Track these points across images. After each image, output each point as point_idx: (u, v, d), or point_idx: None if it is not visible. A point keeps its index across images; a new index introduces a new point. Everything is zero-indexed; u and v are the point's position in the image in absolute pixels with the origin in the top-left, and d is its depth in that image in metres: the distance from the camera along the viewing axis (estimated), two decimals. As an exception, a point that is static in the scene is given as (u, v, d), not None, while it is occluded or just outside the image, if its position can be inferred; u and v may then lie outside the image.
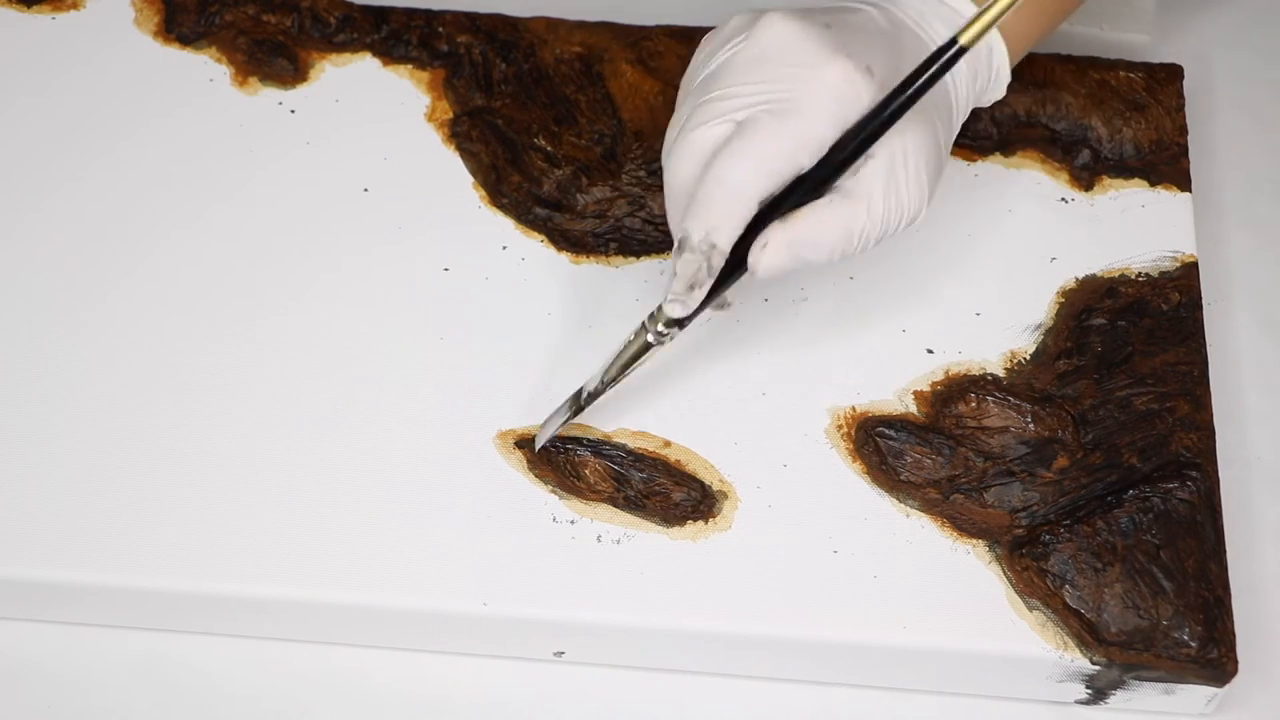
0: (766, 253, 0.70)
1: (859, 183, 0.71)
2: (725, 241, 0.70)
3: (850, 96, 0.70)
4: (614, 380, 0.74)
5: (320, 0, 0.88)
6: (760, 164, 0.69)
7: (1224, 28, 0.93)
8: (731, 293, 0.73)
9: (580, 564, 0.74)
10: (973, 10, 0.75)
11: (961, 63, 0.72)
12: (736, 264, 0.72)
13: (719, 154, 0.70)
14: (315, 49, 0.87)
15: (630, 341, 0.74)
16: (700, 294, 0.71)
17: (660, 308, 0.73)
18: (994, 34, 0.76)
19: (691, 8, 0.89)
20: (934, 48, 0.74)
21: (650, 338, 0.73)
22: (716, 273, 0.71)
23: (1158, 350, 0.79)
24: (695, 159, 0.71)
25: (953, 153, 0.84)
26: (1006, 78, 0.78)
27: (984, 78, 0.77)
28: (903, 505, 0.75)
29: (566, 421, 0.75)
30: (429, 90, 0.86)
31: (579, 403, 0.75)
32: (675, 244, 0.71)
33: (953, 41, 0.69)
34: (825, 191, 0.71)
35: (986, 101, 0.79)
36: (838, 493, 0.76)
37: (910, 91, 0.69)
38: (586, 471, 0.76)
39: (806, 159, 0.70)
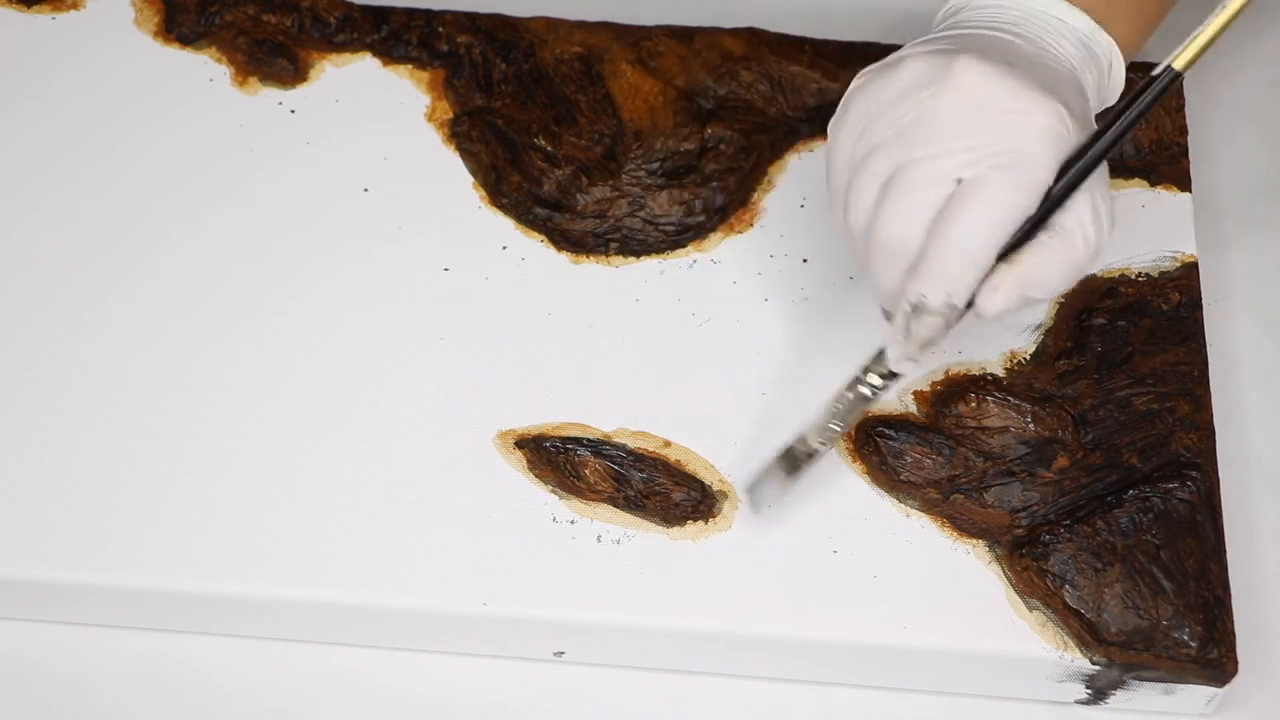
0: (998, 295, 0.70)
1: (1072, 218, 0.70)
2: (964, 301, 0.70)
3: (1064, 136, 0.69)
4: (833, 438, 0.74)
5: (320, 0, 0.88)
6: (997, 224, 0.69)
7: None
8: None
9: (580, 564, 0.74)
10: (1084, 23, 0.74)
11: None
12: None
13: (951, 216, 0.69)
14: (315, 49, 0.87)
15: (847, 396, 0.73)
16: (932, 351, 0.72)
17: (879, 359, 0.72)
18: (1111, 41, 0.75)
19: (691, 8, 0.90)
20: (1061, 68, 0.73)
21: (867, 390, 0.73)
22: (953, 326, 0.71)
23: (1158, 350, 0.79)
24: (917, 221, 0.70)
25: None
26: (1122, 84, 0.76)
27: (1107, 88, 0.76)
28: (903, 505, 0.75)
29: (787, 482, 0.74)
30: (429, 90, 0.86)
31: (794, 460, 0.74)
32: (906, 305, 0.70)
33: (1168, 69, 0.68)
34: (1041, 228, 0.70)
35: (1101, 108, 0.77)
36: (838, 493, 0.76)
37: (1123, 123, 0.69)
38: (586, 471, 0.76)
39: (1035, 207, 0.69)
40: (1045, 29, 0.74)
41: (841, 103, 0.73)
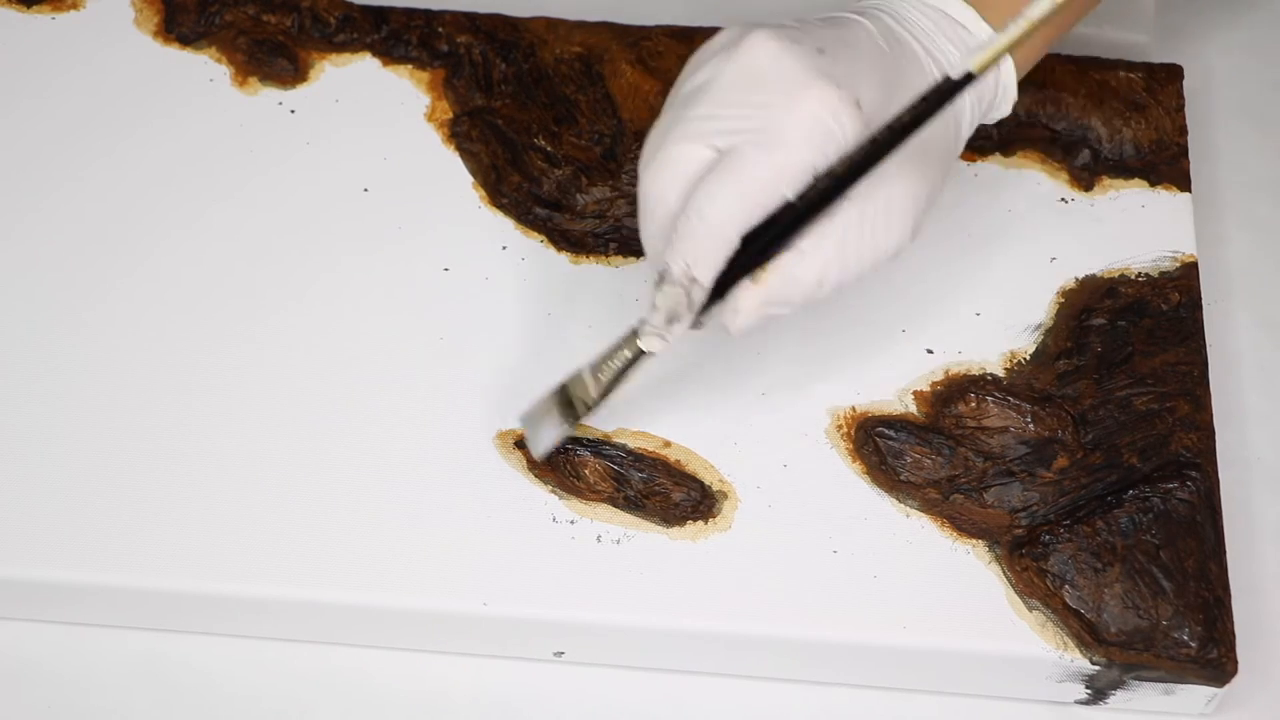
0: (740, 316, 0.70)
1: (833, 228, 0.69)
2: (707, 277, 0.69)
3: (834, 130, 0.68)
4: (608, 393, 0.74)
5: (320, 0, 0.88)
6: (743, 198, 0.68)
7: (1224, 28, 0.93)
8: (708, 316, 0.72)
9: (580, 564, 0.74)
10: (983, 31, 0.73)
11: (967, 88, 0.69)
12: (716, 292, 0.70)
13: (701, 184, 0.68)
14: (315, 49, 0.87)
15: (621, 355, 0.73)
16: (681, 327, 0.70)
17: (639, 329, 0.72)
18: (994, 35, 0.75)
19: (691, 8, 0.90)
20: (936, 74, 0.71)
21: (629, 352, 0.73)
22: (698, 307, 0.70)
23: (1158, 350, 0.79)
24: (675, 182, 0.69)
25: (952, 153, 0.84)
26: (1014, 95, 0.76)
27: (989, 97, 0.75)
28: (903, 505, 0.75)
29: (568, 433, 0.75)
30: (429, 90, 0.86)
31: (573, 409, 0.74)
32: (655, 274, 0.70)
33: (958, 76, 0.66)
34: (803, 229, 0.69)
35: (993, 119, 0.77)
36: (838, 493, 0.76)
37: (899, 132, 0.67)
38: (586, 471, 0.76)
39: (789, 190, 0.68)
40: (928, 26, 0.73)
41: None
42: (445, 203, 0.83)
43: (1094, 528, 0.75)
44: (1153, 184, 0.84)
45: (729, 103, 0.69)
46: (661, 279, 0.70)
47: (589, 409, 0.74)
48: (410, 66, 0.87)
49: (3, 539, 0.74)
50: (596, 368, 0.74)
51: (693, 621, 0.73)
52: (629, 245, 0.82)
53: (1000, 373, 0.78)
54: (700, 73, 0.71)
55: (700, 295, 0.69)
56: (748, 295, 0.70)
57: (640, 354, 0.72)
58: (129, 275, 0.80)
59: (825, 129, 0.68)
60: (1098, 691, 0.74)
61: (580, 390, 0.74)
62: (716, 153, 0.69)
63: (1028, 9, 0.65)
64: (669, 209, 0.70)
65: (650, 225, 0.71)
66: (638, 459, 0.76)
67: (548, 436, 0.75)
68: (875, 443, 0.77)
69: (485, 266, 0.81)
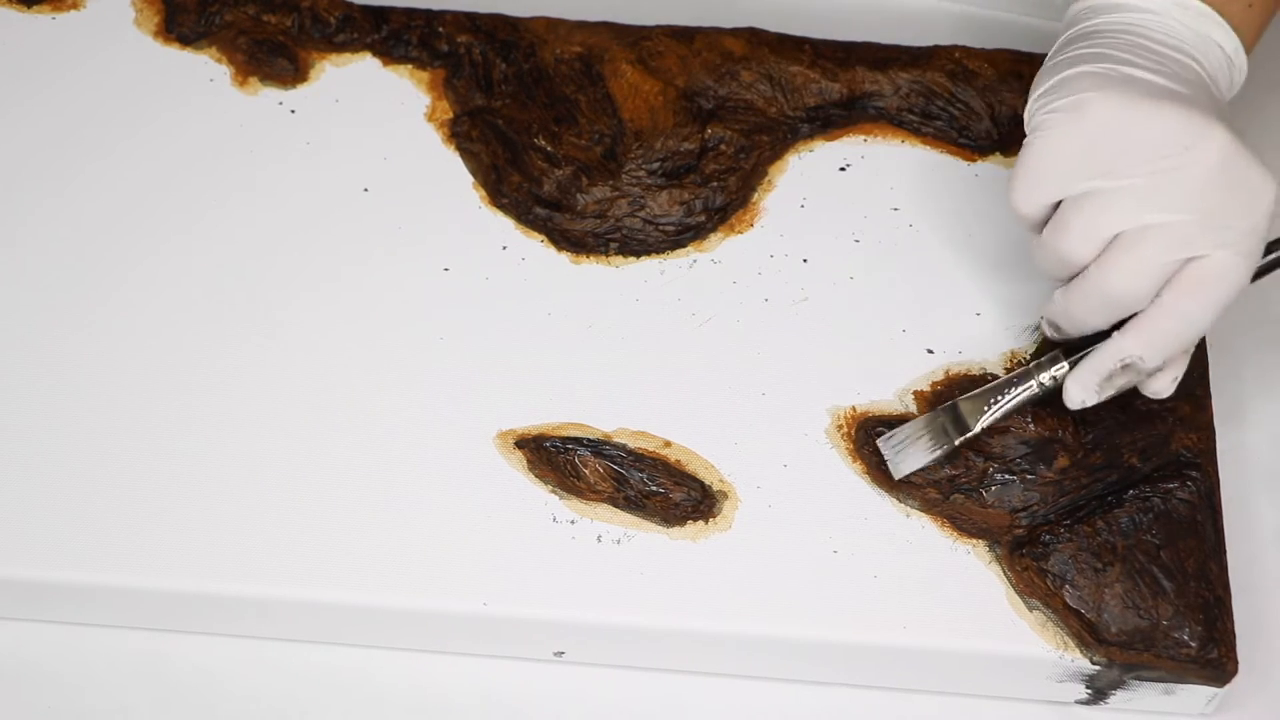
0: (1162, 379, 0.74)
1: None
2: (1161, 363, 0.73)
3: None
4: (991, 423, 0.75)
5: (320, 0, 0.88)
6: (1224, 305, 0.72)
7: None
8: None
9: (580, 564, 0.74)
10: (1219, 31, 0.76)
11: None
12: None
13: (1188, 289, 0.71)
14: (315, 49, 0.87)
15: (1015, 388, 0.75)
16: (1111, 395, 0.74)
17: (1055, 360, 0.74)
18: (1234, 36, 0.76)
19: (691, 8, 0.89)
20: (1201, 81, 0.74)
21: (1036, 389, 0.75)
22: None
23: (1158, 350, 0.79)
24: (1150, 282, 0.71)
25: (952, 153, 0.84)
26: (1244, 75, 0.78)
27: (1237, 79, 0.78)
28: (903, 505, 0.75)
29: (938, 458, 0.75)
30: (429, 90, 0.86)
31: (948, 434, 0.75)
32: (1114, 363, 0.72)
33: None
34: None
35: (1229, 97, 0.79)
36: (838, 493, 0.76)
37: None
38: (586, 471, 0.76)
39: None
40: (1183, 33, 0.75)
41: (1070, 101, 0.72)
42: (445, 203, 0.83)
43: (1094, 527, 0.75)
44: (1153, 184, 0.84)
45: (1208, 210, 0.71)
46: (1130, 368, 0.72)
47: (967, 437, 0.75)
48: (410, 66, 0.87)
49: (3, 539, 0.74)
50: (985, 399, 0.75)
51: (693, 621, 0.73)
52: (629, 245, 0.82)
53: (1000, 373, 0.78)
54: (1157, 161, 0.71)
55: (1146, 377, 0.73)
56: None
57: (1043, 391, 0.75)
58: (129, 275, 0.80)
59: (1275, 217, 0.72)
60: (1098, 691, 0.74)
61: (962, 418, 0.75)
62: (1186, 263, 0.71)
63: None
64: (1134, 307, 0.72)
65: (1103, 313, 0.73)
66: (638, 459, 0.76)
67: (914, 459, 0.75)
68: (876, 443, 0.77)
69: (485, 266, 0.81)
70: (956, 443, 0.75)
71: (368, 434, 0.76)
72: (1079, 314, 0.73)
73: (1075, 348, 0.75)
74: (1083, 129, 0.72)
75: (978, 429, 0.75)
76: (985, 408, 0.75)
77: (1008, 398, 0.75)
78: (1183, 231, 0.71)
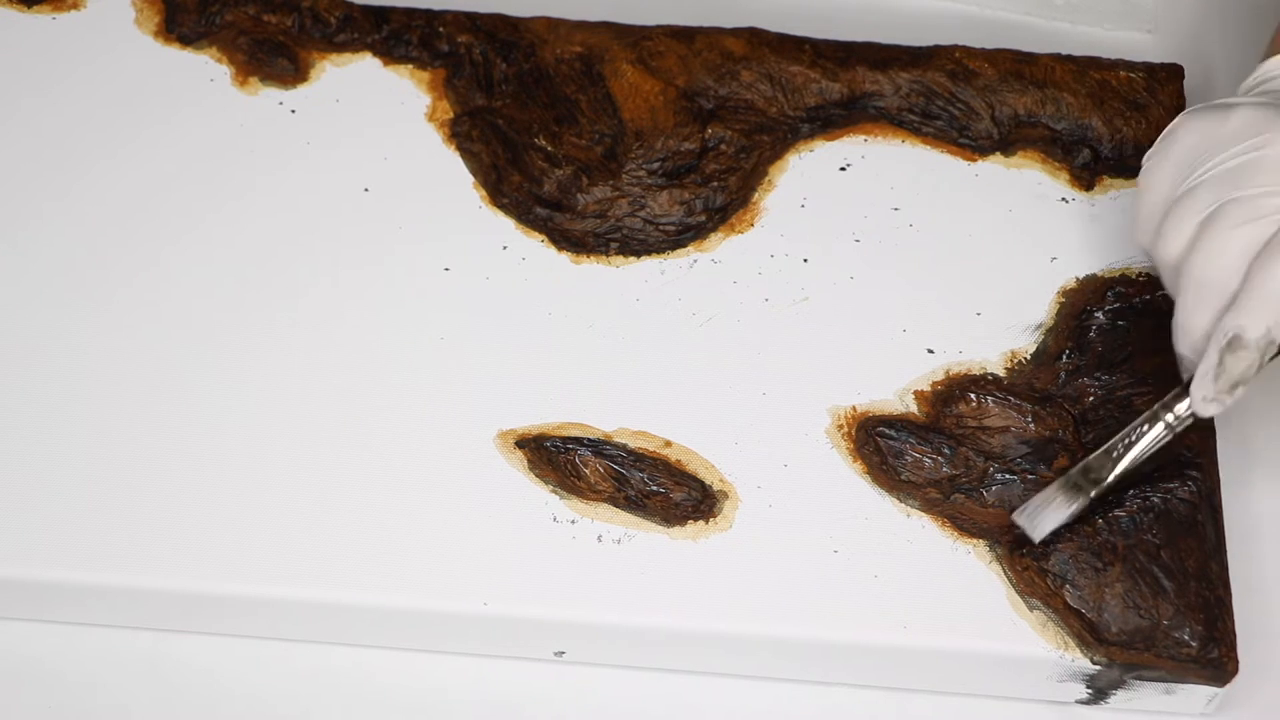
0: None
1: None
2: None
3: None
4: (1125, 471, 0.74)
5: (321, 0, 0.88)
6: None
7: (1224, 28, 0.93)
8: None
9: (580, 564, 0.74)
10: None
11: None
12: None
13: (1267, 254, 0.70)
14: (315, 49, 0.87)
15: (1141, 431, 0.74)
16: (1242, 392, 0.72)
17: (1179, 396, 0.73)
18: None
19: (691, 8, 0.90)
20: None
21: (1162, 429, 0.74)
22: (1261, 368, 0.72)
23: (1158, 350, 0.79)
24: (1238, 255, 0.71)
25: (953, 153, 0.84)
26: None
27: None
28: (903, 505, 0.76)
29: (1074, 513, 0.74)
30: (429, 90, 0.86)
31: (1081, 489, 0.74)
32: (1221, 341, 0.71)
33: None
34: None
35: None
36: (838, 493, 0.76)
37: None
38: (587, 471, 0.76)
39: None
40: None
41: (1162, 138, 0.75)
42: (446, 203, 0.83)
43: (1094, 527, 0.75)
44: (1153, 183, 0.84)
45: (1275, 184, 0.71)
46: (1233, 344, 0.71)
47: (1100, 487, 0.74)
48: (411, 66, 0.87)
49: (4, 539, 0.74)
50: (1110, 449, 0.74)
51: (693, 621, 0.73)
52: (629, 245, 0.82)
53: (1001, 372, 0.78)
54: (1228, 152, 0.72)
55: (1270, 356, 0.72)
56: None
57: (1179, 424, 0.73)
58: (129, 275, 0.80)
59: None
60: (1098, 691, 0.74)
61: (1093, 470, 0.74)
62: (1278, 222, 0.71)
63: None
64: (1227, 286, 0.71)
65: (1202, 304, 0.72)
66: (638, 459, 0.76)
67: (1052, 519, 0.74)
68: (876, 442, 0.77)
69: (485, 266, 0.81)
70: (1092, 495, 0.74)
71: (368, 434, 0.76)
72: (1184, 319, 0.73)
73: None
74: (1171, 150, 0.74)
75: (1110, 479, 0.74)
76: (1114, 455, 0.74)
77: (1137, 439, 0.74)
78: (1258, 202, 0.71)
